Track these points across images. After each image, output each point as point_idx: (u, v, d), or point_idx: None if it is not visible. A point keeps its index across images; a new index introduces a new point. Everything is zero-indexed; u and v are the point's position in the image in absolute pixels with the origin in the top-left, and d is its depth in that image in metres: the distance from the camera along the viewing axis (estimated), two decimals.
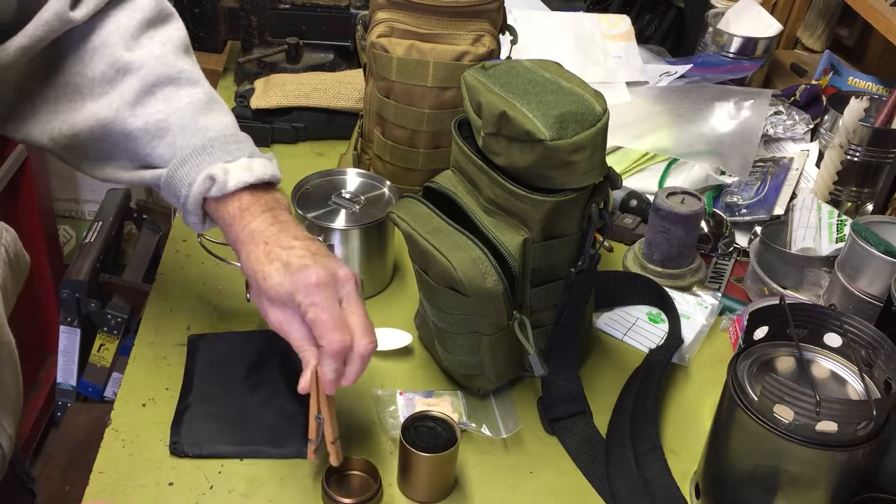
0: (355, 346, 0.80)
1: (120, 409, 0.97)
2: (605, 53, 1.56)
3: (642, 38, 1.68)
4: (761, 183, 1.35)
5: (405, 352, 1.07)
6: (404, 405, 0.99)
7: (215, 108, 0.89)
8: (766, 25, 1.64)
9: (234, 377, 1.00)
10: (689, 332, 1.11)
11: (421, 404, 0.98)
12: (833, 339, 0.86)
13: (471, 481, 0.93)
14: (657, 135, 1.39)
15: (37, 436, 2.13)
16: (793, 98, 1.50)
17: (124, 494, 0.88)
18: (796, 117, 1.45)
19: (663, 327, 1.12)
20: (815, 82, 1.58)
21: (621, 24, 1.62)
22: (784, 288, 1.16)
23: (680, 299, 1.15)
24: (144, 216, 2.25)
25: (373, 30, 1.18)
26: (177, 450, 0.92)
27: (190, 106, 0.87)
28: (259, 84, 1.48)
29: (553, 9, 1.69)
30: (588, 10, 1.74)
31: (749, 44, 1.61)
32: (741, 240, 1.29)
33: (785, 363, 0.86)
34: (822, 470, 0.80)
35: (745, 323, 0.85)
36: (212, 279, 1.15)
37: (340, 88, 1.45)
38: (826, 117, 1.44)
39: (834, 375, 0.85)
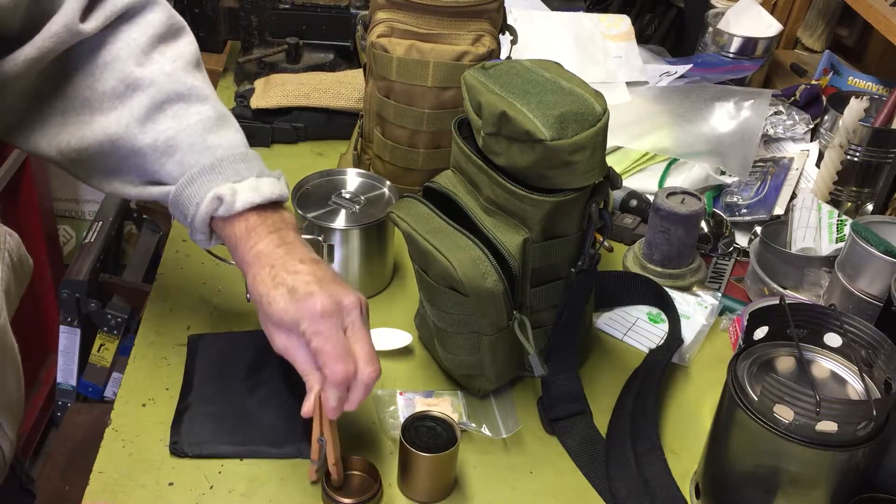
0: (359, 374, 0.81)
1: (120, 409, 0.97)
2: (605, 53, 1.56)
3: (642, 38, 1.68)
4: (761, 183, 1.35)
5: (405, 352, 1.07)
6: (404, 405, 0.99)
7: (224, 126, 0.89)
8: (766, 25, 1.64)
9: (234, 377, 1.00)
10: (689, 332, 1.11)
11: (421, 404, 0.98)
12: (833, 339, 0.86)
13: (471, 481, 0.93)
14: (657, 135, 1.39)
15: (37, 436, 2.13)
16: (793, 98, 1.50)
17: (124, 494, 0.88)
18: (796, 117, 1.45)
19: (663, 327, 1.12)
20: (815, 82, 1.58)
21: (621, 24, 1.62)
22: (784, 288, 1.16)
23: (680, 299, 1.15)
24: (144, 216, 2.26)
25: (373, 30, 1.18)
26: (177, 450, 0.92)
27: (199, 123, 0.86)
28: (259, 84, 1.48)
29: (553, 9, 1.69)
30: (588, 10, 1.74)
31: (749, 44, 1.62)
32: (741, 240, 1.29)
33: (785, 363, 0.86)
34: (822, 470, 0.80)
35: (745, 323, 0.85)
36: (212, 279, 1.15)
37: (340, 88, 1.45)
38: (826, 117, 1.44)
39: (834, 375, 0.85)
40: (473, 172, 0.94)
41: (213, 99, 0.90)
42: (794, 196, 1.32)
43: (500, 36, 1.22)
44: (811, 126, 1.45)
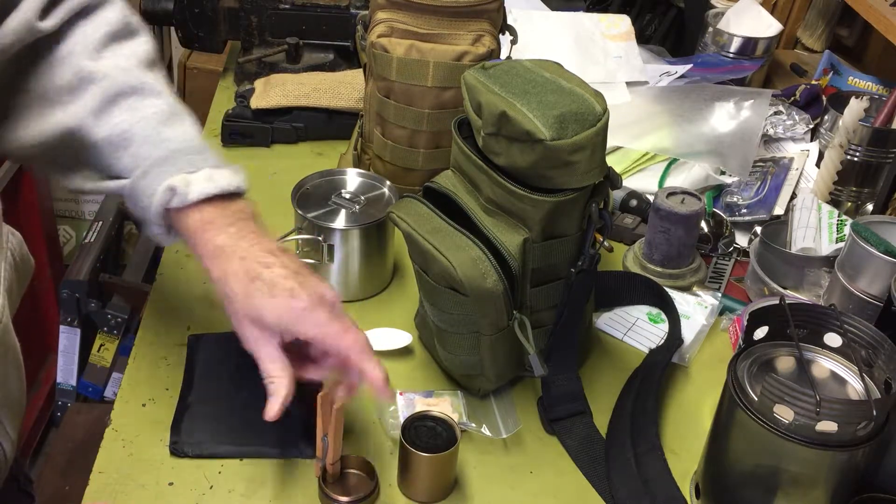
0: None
1: (120, 409, 0.97)
2: (605, 53, 1.56)
3: (642, 38, 1.68)
4: (761, 183, 1.35)
5: (405, 352, 1.07)
6: (404, 405, 0.99)
7: (179, 120, 0.88)
8: (766, 25, 1.64)
9: (234, 377, 1.00)
10: (689, 332, 1.11)
11: (421, 404, 0.98)
12: (833, 339, 0.86)
13: (471, 481, 0.93)
14: (657, 135, 1.39)
15: (37, 436, 2.13)
16: (793, 98, 1.50)
17: (124, 494, 0.88)
18: (796, 117, 1.45)
19: (663, 327, 1.12)
20: (815, 82, 1.58)
21: (621, 24, 1.62)
22: (784, 288, 1.16)
23: (680, 299, 1.15)
24: None
25: (373, 30, 1.18)
26: (177, 450, 0.92)
27: (154, 116, 0.86)
28: (259, 84, 1.48)
29: (553, 9, 1.69)
30: (588, 10, 1.74)
31: (749, 44, 1.62)
32: (741, 240, 1.29)
33: (785, 363, 0.86)
34: (822, 470, 0.80)
35: (745, 323, 0.85)
36: None
37: (340, 88, 1.45)
38: (826, 117, 1.44)
39: (834, 375, 0.85)
40: (473, 172, 0.94)
41: (167, 94, 0.89)
42: (794, 196, 1.32)
43: (500, 36, 1.22)
44: (811, 126, 1.45)
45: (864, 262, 1.05)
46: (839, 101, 1.40)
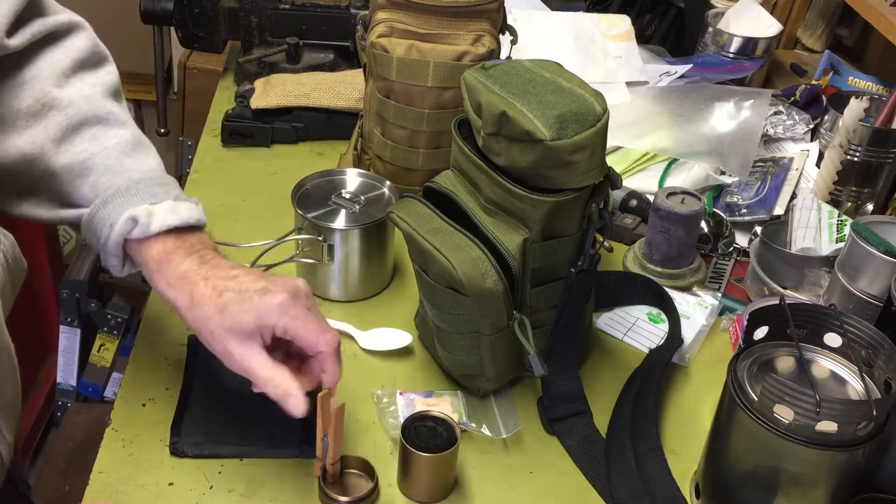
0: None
1: (120, 409, 0.97)
2: (605, 53, 1.56)
3: (642, 38, 1.68)
4: (761, 183, 1.35)
5: (405, 352, 1.07)
6: (404, 405, 0.99)
7: (142, 151, 0.87)
8: (766, 25, 1.64)
9: (234, 377, 0.99)
10: (689, 332, 1.11)
11: (421, 404, 0.98)
12: (833, 339, 0.86)
13: (471, 481, 0.93)
14: (657, 135, 1.39)
15: (37, 436, 2.13)
16: (793, 98, 1.50)
17: (124, 494, 0.88)
18: (796, 117, 1.45)
19: (663, 327, 1.12)
20: (815, 82, 1.58)
21: (621, 24, 1.62)
22: (784, 288, 1.16)
23: (680, 299, 1.15)
24: None
25: (373, 30, 1.18)
26: (177, 450, 0.92)
27: (116, 147, 0.85)
28: (259, 84, 1.48)
29: (553, 9, 1.69)
30: (588, 10, 1.74)
31: (749, 44, 1.62)
32: (741, 240, 1.29)
33: (785, 363, 0.86)
34: (822, 470, 0.80)
35: (745, 323, 0.85)
36: None
37: (340, 88, 1.45)
38: (826, 117, 1.44)
39: (834, 375, 0.85)
40: (473, 172, 0.94)
41: (131, 125, 0.88)
42: (794, 196, 1.32)
43: (500, 36, 1.22)
44: (811, 126, 1.45)
45: (864, 262, 1.05)
46: (839, 101, 1.40)
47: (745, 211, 1.31)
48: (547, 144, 0.85)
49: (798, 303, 0.98)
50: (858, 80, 1.61)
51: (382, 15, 1.17)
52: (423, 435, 0.89)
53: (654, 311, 1.16)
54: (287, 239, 1.13)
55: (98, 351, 2.06)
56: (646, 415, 0.97)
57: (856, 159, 1.29)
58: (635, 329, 1.13)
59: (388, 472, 0.92)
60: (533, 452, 0.97)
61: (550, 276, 0.96)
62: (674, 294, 1.15)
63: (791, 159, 1.39)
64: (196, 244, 0.84)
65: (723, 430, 0.85)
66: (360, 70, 1.34)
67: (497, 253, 0.91)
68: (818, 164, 1.36)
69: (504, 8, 1.21)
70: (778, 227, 1.24)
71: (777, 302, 0.85)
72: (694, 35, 1.70)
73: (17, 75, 0.83)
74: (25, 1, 0.82)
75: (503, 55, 1.21)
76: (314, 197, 1.14)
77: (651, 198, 1.27)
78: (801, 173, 1.36)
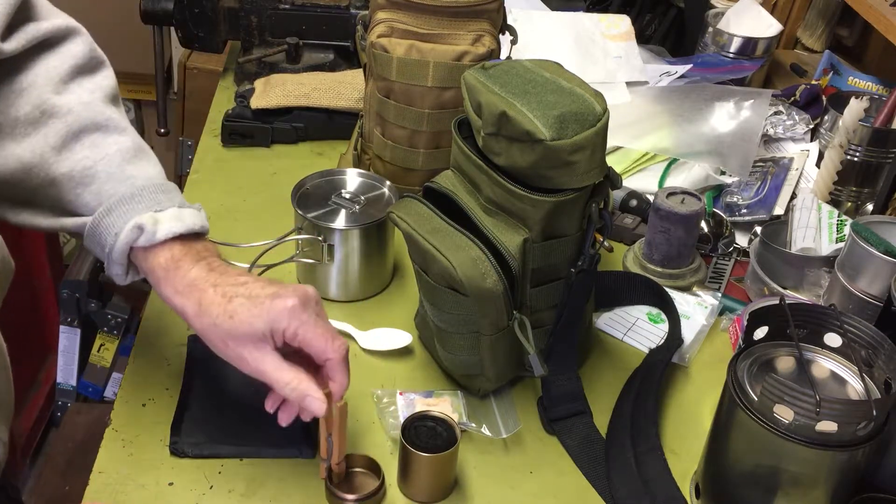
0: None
1: (120, 409, 0.97)
2: (605, 53, 1.56)
3: (642, 38, 1.68)
4: (761, 183, 1.35)
5: (405, 352, 1.07)
6: (404, 405, 0.99)
7: (143, 158, 0.87)
8: (766, 25, 1.64)
9: (234, 377, 1.00)
10: (689, 332, 1.11)
11: (421, 404, 0.98)
12: (833, 339, 0.86)
13: (471, 481, 0.93)
14: (657, 135, 1.39)
15: (37, 436, 2.13)
16: (793, 98, 1.50)
17: (124, 494, 0.88)
18: (796, 117, 1.45)
19: (663, 327, 1.12)
20: (815, 82, 1.58)
21: (621, 24, 1.62)
22: (784, 288, 1.16)
23: (680, 299, 1.15)
24: None
25: (373, 30, 1.18)
26: (177, 450, 0.92)
27: (118, 154, 0.84)
28: (259, 84, 1.48)
29: (553, 9, 1.69)
30: (588, 10, 1.74)
31: (749, 44, 1.62)
32: (741, 240, 1.29)
33: (785, 363, 0.86)
34: (822, 470, 0.80)
35: (745, 323, 0.85)
36: None
37: (340, 88, 1.45)
38: (826, 117, 1.44)
39: (834, 375, 0.85)
40: (473, 172, 0.94)
41: (130, 131, 0.87)
42: (794, 196, 1.32)
43: (500, 36, 1.22)
44: (811, 126, 1.45)
45: (864, 262, 1.05)
46: (839, 101, 1.40)
47: (745, 211, 1.31)
48: (547, 144, 0.85)
49: (798, 303, 0.98)
50: (858, 80, 1.61)
51: (382, 15, 1.17)
52: (423, 435, 0.89)
53: (654, 311, 1.16)
54: (287, 239, 1.13)
55: (98, 351, 2.06)
56: (646, 415, 0.97)
57: (856, 159, 1.29)
58: (635, 329, 1.13)
59: (388, 472, 0.92)
60: (533, 452, 0.97)
61: (550, 276, 0.96)
62: (674, 294, 1.15)
63: (791, 159, 1.39)
64: (202, 251, 0.84)
65: (723, 430, 0.85)
66: (360, 70, 1.34)
67: (497, 253, 0.91)
68: (818, 164, 1.36)
69: (504, 8, 1.21)
70: (778, 227, 1.24)
71: (777, 302, 0.85)
72: (694, 35, 1.70)
73: (14, 82, 0.82)
74: (16, 5, 0.80)
75: (503, 55, 1.21)
76: (314, 197, 1.14)
77: (651, 198, 1.27)
78: (801, 173, 1.36)
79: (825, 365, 0.86)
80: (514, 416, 0.99)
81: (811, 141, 1.44)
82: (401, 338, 1.07)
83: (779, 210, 1.29)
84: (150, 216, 0.82)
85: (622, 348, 1.11)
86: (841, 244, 1.14)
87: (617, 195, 1.32)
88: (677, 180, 1.35)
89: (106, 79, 0.88)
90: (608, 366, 1.08)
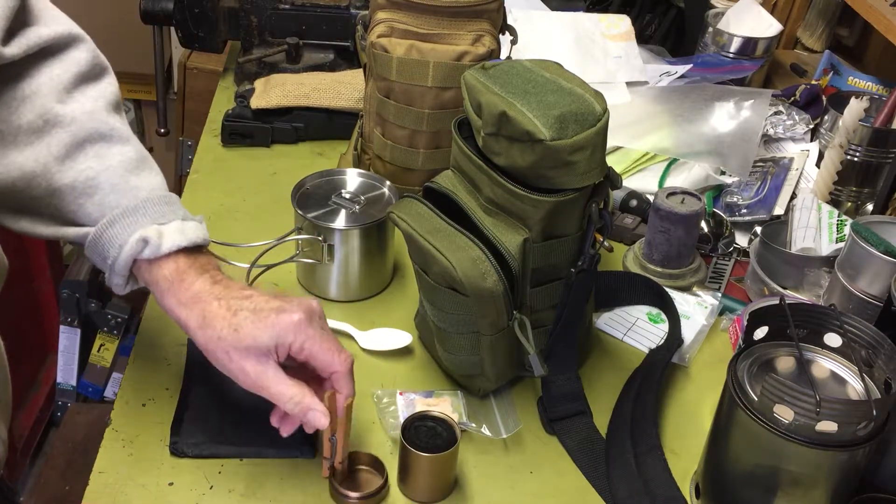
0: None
1: (120, 409, 0.97)
2: (605, 53, 1.56)
3: (642, 38, 1.68)
4: (761, 183, 1.35)
5: (405, 352, 1.07)
6: (404, 405, 0.99)
7: (145, 168, 0.86)
8: (766, 25, 1.64)
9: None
10: (689, 332, 1.11)
11: (421, 404, 0.98)
12: (833, 339, 0.86)
13: (471, 481, 0.93)
14: (657, 135, 1.39)
15: (37, 436, 2.13)
16: (793, 98, 1.50)
17: (124, 494, 0.88)
18: (796, 117, 1.45)
19: (663, 327, 1.12)
20: (815, 82, 1.58)
21: (621, 24, 1.62)
22: (784, 288, 1.16)
23: (680, 299, 1.15)
24: None
25: (373, 30, 1.18)
26: (177, 450, 0.92)
27: (121, 165, 0.84)
28: (259, 84, 1.48)
29: (553, 9, 1.69)
30: (588, 10, 1.74)
31: (749, 44, 1.62)
32: (741, 240, 1.29)
33: (785, 363, 0.86)
34: (822, 470, 0.80)
35: (745, 323, 0.85)
36: None
37: (340, 88, 1.45)
38: (826, 117, 1.44)
39: (834, 375, 0.85)
40: (473, 172, 0.94)
41: (134, 141, 0.87)
42: (794, 196, 1.32)
43: (500, 36, 1.22)
44: (811, 126, 1.45)
45: (864, 262, 1.05)
46: (839, 101, 1.40)
47: (745, 211, 1.31)
48: (547, 144, 0.85)
49: (798, 303, 0.98)
50: (858, 80, 1.61)
51: (382, 15, 1.17)
52: (423, 435, 0.89)
53: (654, 311, 1.16)
54: (287, 239, 1.13)
55: (98, 351, 2.06)
56: (646, 415, 0.97)
57: (856, 159, 1.29)
58: (635, 329, 1.13)
59: (388, 471, 0.92)
60: (533, 452, 0.97)
61: (550, 276, 0.96)
62: (674, 294, 1.15)
63: (791, 159, 1.39)
64: (206, 264, 0.84)
65: (723, 430, 0.85)
66: (360, 70, 1.34)
67: (497, 253, 0.91)
68: (818, 164, 1.36)
69: (504, 8, 1.21)
70: (778, 227, 1.24)
71: (777, 302, 0.85)
72: (694, 35, 1.70)
73: (17, 89, 0.82)
74: (15, 8, 0.80)
75: (503, 55, 1.21)
76: (314, 197, 1.14)
77: (651, 198, 1.27)
78: (801, 173, 1.36)
79: (825, 365, 0.86)
80: (514, 416, 0.99)
81: (811, 141, 1.44)
82: (401, 338, 1.07)
83: (779, 210, 1.29)
84: (154, 229, 0.82)
85: (622, 348, 1.11)
86: (841, 244, 1.14)
87: (617, 195, 1.32)
88: (677, 180, 1.35)
89: (109, 86, 0.88)
90: (608, 366, 1.08)
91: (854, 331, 0.85)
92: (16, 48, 0.80)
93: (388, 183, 1.17)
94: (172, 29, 1.56)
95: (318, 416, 0.81)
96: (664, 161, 1.37)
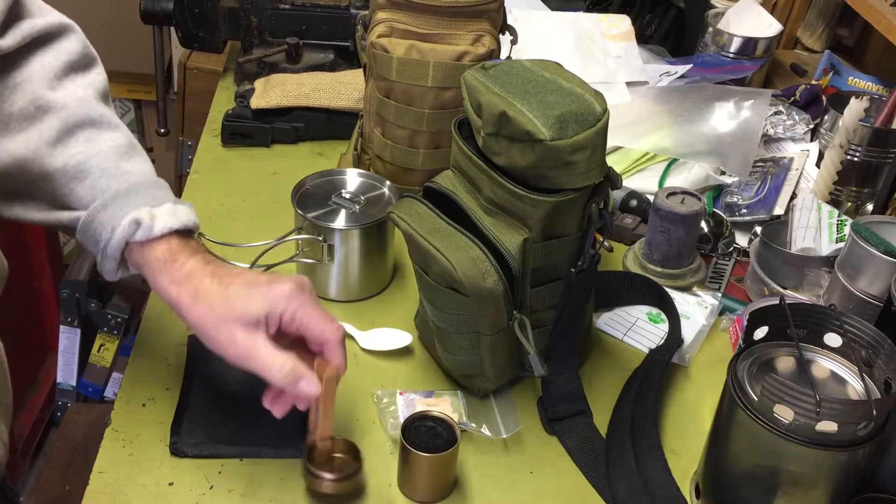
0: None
1: (120, 409, 0.97)
2: (605, 53, 1.56)
3: (642, 38, 1.68)
4: (761, 183, 1.35)
5: (405, 352, 1.07)
6: (404, 405, 0.99)
7: (136, 155, 0.87)
8: (766, 25, 1.64)
9: (234, 377, 1.00)
10: (689, 332, 1.11)
11: (421, 404, 0.98)
12: (833, 339, 0.86)
13: (471, 481, 0.93)
14: (657, 135, 1.39)
15: (37, 436, 2.13)
16: (793, 98, 1.50)
17: (124, 494, 0.88)
18: (796, 117, 1.45)
19: (663, 327, 1.12)
20: (815, 82, 1.58)
21: (621, 24, 1.62)
22: (784, 288, 1.16)
23: (680, 299, 1.15)
24: None
25: (373, 30, 1.18)
26: (177, 450, 0.92)
27: (112, 150, 0.85)
28: (259, 84, 1.48)
29: (553, 9, 1.69)
30: (588, 10, 1.74)
31: (749, 44, 1.62)
32: (741, 240, 1.29)
33: (785, 363, 0.86)
34: (822, 470, 0.80)
35: (745, 323, 0.85)
36: None
37: (340, 88, 1.45)
38: (826, 117, 1.44)
39: (834, 375, 0.85)
40: (473, 172, 0.94)
41: (123, 128, 0.88)
42: (794, 196, 1.32)
43: (500, 36, 1.22)
44: (811, 126, 1.45)
45: (864, 262, 1.05)
46: (839, 101, 1.40)
47: (745, 211, 1.31)
48: (547, 144, 0.85)
49: (798, 303, 0.98)
50: (858, 80, 1.61)
51: (382, 15, 1.17)
52: (423, 435, 0.89)
53: (654, 311, 1.16)
54: (287, 239, 1.13)
55: (98, 351, 2.06)
56: (646, 415, 0.97)
57: (856, 159, 1.29)
58: (635, 329, 1.13)
59: (388, 472, 0.92)
60: (533, 452, 0.97)
61: (550, 276, 0.96)
62: (674, 294, 1.15)
63: (791, 159, 1.39)
64: (197, 248, 0.85)
65: (723, 430, 0.85)
66: (360, 70, 1.34)
67: (497, 253, 0.91)
68: (818, 164, 1.36)
69: (504, 8, 1.21)
70: (778, 227, 1.24)
71: (777, 302, 0.85)
72: (694, 35, 1.70)
73: (8, 78, 0.83)
74: (10, 1, 0.81)
75: (503, 55, 1.21)
76: (314, 197, 1.14)
77: (651, 198, 1.27)
78: (801, 173, 1.36)
79: (825, 365, 0.86)
80: (514, 416, 0.99)
81: (811, 141, 1.44)
82: (401, 338, 1.07)
83: (779, 210, 1.29)
84: (147, 211, 0.82)
85: (622, 348, 1.11)
86: (841, 244, 1.14)
87: (617, 195, 1.32)
88: (677, 180, 1.35)
89: (98, 76, 0.89)
90: (608, 366, 1.08)
91: (854, 331, 0.85)
92: (10, 40, 0.82)
93: (388, 183, 1.17)
94: (172, 29, 1.56)
95: (310, 384, 0.80)
96: (664, 161, 1.37)
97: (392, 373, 1.04)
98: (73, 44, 0.87)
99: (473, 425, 0.97)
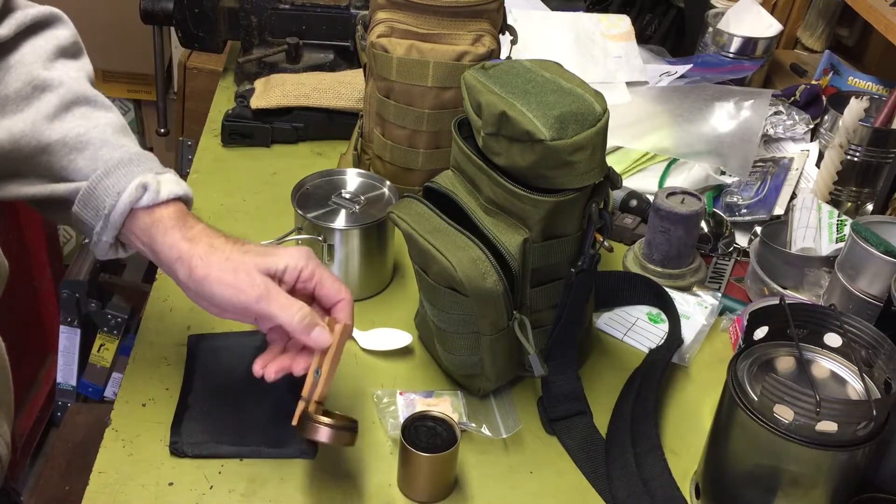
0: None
1: (120, 409, 0.97)
2: (605, 53, 1.56)
3: (642, 38, 1.68)
4: (761, 183, 1.35)
5: (405, 352, 1.07)
6: (404, 405, 0.99)
7: (129, 134, 0.89)
8: (766, 25, 1.64)
9: (234, 377, 1.00)
10: (689, 332, 1.11)
11: (421, 404, 0.99)
12: (833, 339, 0.86)
13: (471, 481, 0.93)
14: (657, 135, 1.39)
15: (37, 436, 2.13)
16: (793, 98, 1.50)
17: (124, 494, 0.88)
18: (796, 117, 1.45)
19: (663, 327, 1.12)
20: (815, 82, 1.58)
21: (621, 24, 1.62)
22: (784, 288, 1.16)
23: (680, 299, 1.15)
24: None
25: (373, 30, 1.18)
26: (177, 450, 0.92)
27: (108, 126, 0.86)
28: (259, 84, 1.48)
29: (553, 9, 1.69)
30: (588, 10, 1.74)
31: (749, 44, 1.62)
32: (741, 240, 1.29)
33: (785, 363, 0.86)
34: (822, 470, 0.80)
35: (745, 323, 0.86)
36: None
37: (340, 88, 1.45)
38: (826, 117, 1.44)
39: (834, 375, 0.85)
40: (473, 172, 0.94)
41: (115, 110, 0.90)
42: (794, 196, 1.32)
43: (500, 36, 1.22)
44: (811, 126, 1.45)
45: (864, 262, 1.06)
46: (839, 101, 1.40)
47: (745, 211, 1.31)
48: (547, 144, 0.85)
49: (798, 303, 0.98)
50: (858, 80, 1.61)
51: (382, 15, 1.17)
52: (423, 435, 0.89)
53: (654, 311, 1.16)
54: (287, 239, 1.13)
55: (98, 351, 2.06)
56: (646, 415, 0.97)
57: (856, 159, 1.29)
58: (635, 329, 1.13)
59: (388, 472, 0.92)
60: (533, 452, 0.97)
61: (550, 276, 0.96)
62: (674, 294, 1.15)
63: (791, 159, 1.39)
64: (196, 218, 0.87)
65: (723, 430, 0.85)
66: (360, 70, 1.34)
67: (497, 253, 0.91)
68: (818, 164, 1.36)
69: (504, 8, 1.21)
70: (778, 227, 1.24)
71: (777, 302, 0.86)
72: (694, 35, 1.70)
73: (1, 62, 0.84)
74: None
75: (503, 55, 1.21)
76: (314, 197, 1.14)
77: (651, 198, 1.27)
78: (801, 173, 1.36)
79: (825, 365, 0.86)
80: (514, 416, 0.99)
81: (811, 141, 1.44)
82: (401, 338, 1.07)
83: (779, 210, 1.29)
84: (153, 177, 0.84)
85: (622, 348, 1.11)
86: (841, 244, 1.14)
87: (617, 195, 1.32)
88: (677, 180, 1.35)
89: (87, 64, 0.91)
90: (608, 366, 1.08)
91: (854, 331, 0.85)
92: (5, 29, 0.83)
93: (388, 183, 1.17)
94: (172, 29, 1.56)
95: (323, 333, 0.82)
96: (664, 161, 1.37)
97: (392, 373, 1.04)
98: (64, 32, 0.89)
99: (473, 425, 0.97)
